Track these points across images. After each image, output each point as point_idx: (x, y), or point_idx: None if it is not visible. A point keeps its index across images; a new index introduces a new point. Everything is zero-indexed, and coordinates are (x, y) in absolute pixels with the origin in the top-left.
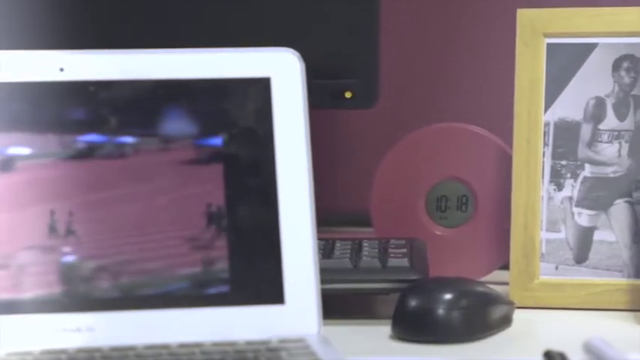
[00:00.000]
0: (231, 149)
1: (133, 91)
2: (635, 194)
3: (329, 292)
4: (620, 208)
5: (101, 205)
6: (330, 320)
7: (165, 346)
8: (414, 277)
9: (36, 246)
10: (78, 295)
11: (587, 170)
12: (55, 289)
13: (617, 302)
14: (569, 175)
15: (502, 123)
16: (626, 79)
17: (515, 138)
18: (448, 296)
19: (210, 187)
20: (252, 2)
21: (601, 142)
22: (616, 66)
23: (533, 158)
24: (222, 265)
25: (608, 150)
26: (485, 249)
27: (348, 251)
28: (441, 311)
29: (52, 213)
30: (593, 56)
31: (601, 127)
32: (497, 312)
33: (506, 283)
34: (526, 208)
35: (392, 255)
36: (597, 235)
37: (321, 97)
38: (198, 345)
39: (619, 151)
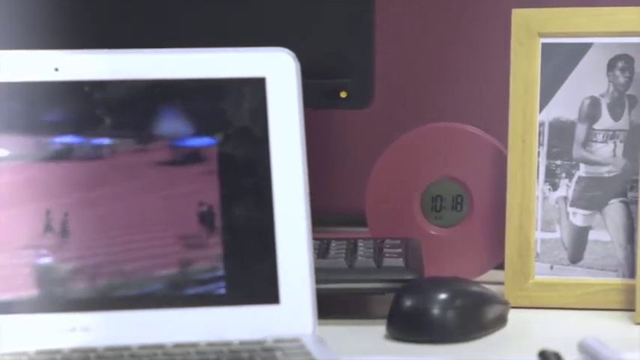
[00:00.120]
0: (226, 149)
1: (129, 91)
2: (630, 194)
3: (324, 291)
4: (614, 208)
5: (96, 204)
6: (325, 320)
7: (160, 346)
8: (409, 277)
9: (30, 245)
10: (69, 295)
11: (582, 170)
12: (40, 291)
13: (611, 302)
14: (564, 174)
15: (497, 123)
16: (621, 79)
17: (510, 138)
18: (443, 296)
19: (205, 187)
20: (250, 3)
21: (596, 141)
22: (611, 66)
23: (528, 158)
24: (217, 265)
25: (603, 150)
26: (480, 249)
27: (343, 251)
28: (436, 311)
29: (51, 212)
30: (588, 56)
31: (596, 126)
32: (493, 312)
33: (502, 283)
34: (521, 208)
35: (387, 255)
36: (592, 235)
37: (317, 96)
38: (193, 345)
39: (614, 150)
